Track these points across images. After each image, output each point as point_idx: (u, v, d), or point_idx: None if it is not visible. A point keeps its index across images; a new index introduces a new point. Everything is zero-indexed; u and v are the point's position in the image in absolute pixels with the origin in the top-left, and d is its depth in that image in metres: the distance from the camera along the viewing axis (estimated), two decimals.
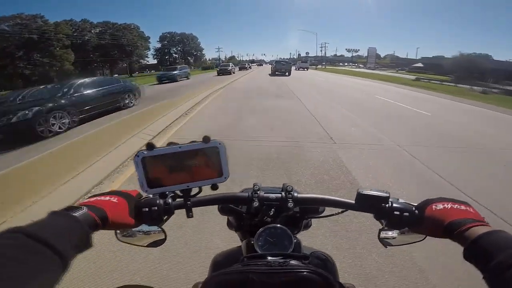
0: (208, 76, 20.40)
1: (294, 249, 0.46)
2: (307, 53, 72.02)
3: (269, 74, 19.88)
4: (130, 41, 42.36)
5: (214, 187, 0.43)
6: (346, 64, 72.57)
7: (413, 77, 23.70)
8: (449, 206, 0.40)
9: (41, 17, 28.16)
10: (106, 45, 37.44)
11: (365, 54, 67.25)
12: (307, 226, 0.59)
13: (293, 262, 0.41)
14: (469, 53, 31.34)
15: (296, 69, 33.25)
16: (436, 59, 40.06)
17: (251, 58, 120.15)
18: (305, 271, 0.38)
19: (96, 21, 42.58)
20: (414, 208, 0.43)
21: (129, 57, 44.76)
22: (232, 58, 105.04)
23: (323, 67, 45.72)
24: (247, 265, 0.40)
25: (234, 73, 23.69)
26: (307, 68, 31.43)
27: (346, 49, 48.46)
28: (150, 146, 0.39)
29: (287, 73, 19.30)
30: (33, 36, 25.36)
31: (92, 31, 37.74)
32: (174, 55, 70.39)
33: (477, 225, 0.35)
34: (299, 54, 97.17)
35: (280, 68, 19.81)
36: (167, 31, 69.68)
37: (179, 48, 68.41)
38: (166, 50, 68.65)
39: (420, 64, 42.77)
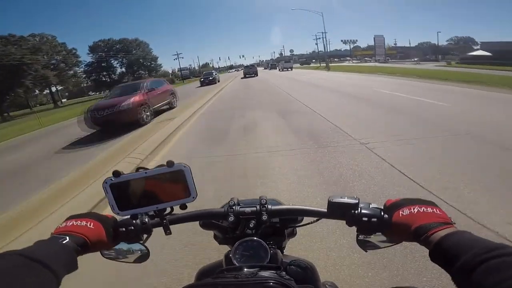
0: (188, 90, 19.68)
1: (271, 260, 0.51)
2: (291, 51, 72.72)
3: (241, 78, 27.54)
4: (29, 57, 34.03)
5: (183, 207, 0.49)
6: (348, 58, 66.01)
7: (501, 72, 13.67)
8: (415, 210, 0.43)
9: None
10: None
11: (362, 45, 63.75)
12: (293, 234, 0.66)
13: (263, 273, 0.45)
14: None
15: (279, 70, 35.29)
16: None
17: (229, 64, 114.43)
18: (271, 282, 0.41)
19: None
20: (382, 213, 0.47)
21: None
22: (205, 66, 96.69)
23: (321, 64, 38.99)
24: (217, 278, 0.45)
25: (219, 81, 25.41)
26: (291, 68, 35.47)
27: (341, 41, 59.35)
28: (116, 173, 0.46)
29: (253, 75, 28.62)
30: None
31: None
32: (116, 69, 57.47)
33: (443, 228, 0.39)
34: (280, 53, 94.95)
35: (248, 72, 29.22)
36: (99, 39, 56.03)
37: (122, 60, 56.26)
38: (103, 64, 56.17)
39: (481, 52, 33.33)
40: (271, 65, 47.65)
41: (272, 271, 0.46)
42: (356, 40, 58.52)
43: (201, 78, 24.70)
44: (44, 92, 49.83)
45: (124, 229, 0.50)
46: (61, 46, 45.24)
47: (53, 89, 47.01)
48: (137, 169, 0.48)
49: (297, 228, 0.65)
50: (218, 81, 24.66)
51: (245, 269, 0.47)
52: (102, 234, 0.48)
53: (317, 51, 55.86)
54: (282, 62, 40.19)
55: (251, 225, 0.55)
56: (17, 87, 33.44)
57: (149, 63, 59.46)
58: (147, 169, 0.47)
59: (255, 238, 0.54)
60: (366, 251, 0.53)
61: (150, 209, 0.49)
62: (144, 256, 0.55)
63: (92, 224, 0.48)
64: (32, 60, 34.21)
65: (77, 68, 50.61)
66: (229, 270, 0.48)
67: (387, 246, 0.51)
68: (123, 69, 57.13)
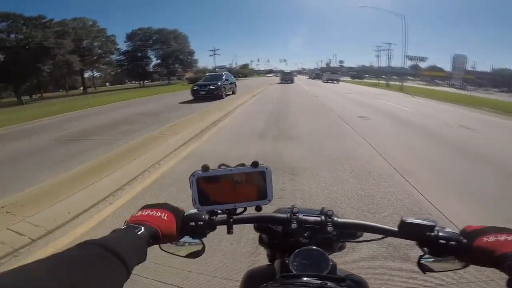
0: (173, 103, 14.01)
1: (330, 271, 0.53)
2: (340, 61, 68.77)
3: (277, 83, 29.12)
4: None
5: (258, 208, 0.53)
6: (410, 78, 52.57)
7: None
8: (503, 238, 0.45)
9: None
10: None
11: (423, 65, 54.45)
12: (341, 248, 0.67)
13: (330, 284, 0.48)
14: None
15: (323, 81, 34.53)
16: None
17: (269, 68, 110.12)
18: None
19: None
20: (461, 237, 0.49)
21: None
22: (245, 67, 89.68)
23: (380, 81, 35.82)
24: (284, 284, 0.47)
25: (234, 93, 16.35)
26: (337, 81, 33.85)
27: (407, 57, 42.34)
28: (205, 168, 0.49)
29: (290, 81, 30.26)
30: None
31: None
32: (151, 60, 55.92)
33: None
34: (327, 63, 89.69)
35: (285, 78, 31.59)
36: (138, 27, 54.79)
37: (158, 51, 54.63)
38: (138, 54, 54.62)
39: None
40: (315, 74, 45.32)
41: (336, 283, 0.48)
42: (426, 58, 50.45)
43: (195, 87, 14.14)
44: (88, 76, 51.31)
45: (193, 223, 0.53)
46: (101, 31, 45.85)
47: (87, 75, 48.75)
48: (220, 165, 0.51)
49: (346, 243, 0.66)
50: (232, 93, 15.71)
51: (305, 278, 0.49)
52: (173, 226, 0.51)
53: (370, 65, 53.25)
54: (328, 73, 38.80)
55: (306, 234, 0.57)
56: (36, 72, 33.77)
57: (185, 57, 57.54)
58: (230, 166, 0.51)
59: (315, 247, 0.55)
60: (424, 273, 0.55)
61: (228, 207, 0.52)
62: (199, 252, 0.57)
63: (166, 215, 0.51)
64: (55, 45, 34.28)
65: (113, 56, 50.97)
66: (288, 277, 0.50)
67: (450, 270, 0.53)
68: (159, 61, 55.94)
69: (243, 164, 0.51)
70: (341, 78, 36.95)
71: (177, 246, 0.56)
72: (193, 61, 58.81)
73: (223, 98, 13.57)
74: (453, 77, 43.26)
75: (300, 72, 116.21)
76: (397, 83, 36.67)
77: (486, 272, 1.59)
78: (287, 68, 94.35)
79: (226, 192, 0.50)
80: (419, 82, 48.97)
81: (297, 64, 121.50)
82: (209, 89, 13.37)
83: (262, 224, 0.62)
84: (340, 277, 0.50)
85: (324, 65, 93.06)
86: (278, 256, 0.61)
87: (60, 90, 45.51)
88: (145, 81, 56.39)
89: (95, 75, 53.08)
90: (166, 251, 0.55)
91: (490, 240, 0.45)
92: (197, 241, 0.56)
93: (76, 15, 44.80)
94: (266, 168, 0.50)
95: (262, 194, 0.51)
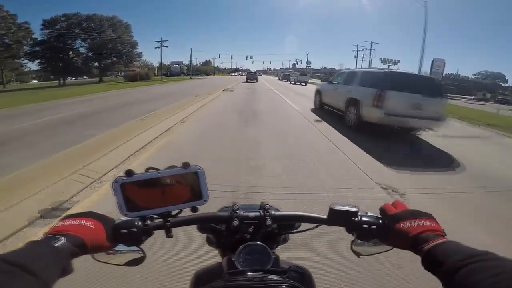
0: None
1: (273, 265, 0.57)
2: (308, 62, 65.17)
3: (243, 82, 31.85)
4: None
5: (194, 209, 0.54)
6: None
7: None
8: (416, 223, 0.51)
9: None
10: None
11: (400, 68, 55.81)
12: (285, 241, 0.73)
13: (272, 277, 0.51)
14: None
15: (291, 83, 34.16)
16: None
17: (234, 66, 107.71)
18: (283, 285, 0.47)
19: None
20: (380, 221, 0.56)
21: None
22: (206, 64, 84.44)
23: None
24: (228, 281, 0.50)
25: None
26: (306, 83, 32.90)
27: (380, 59, 43.37)
28: (129, 172, 0.49)
29: (254, 80, 33.77)
30: None
31: None
32: (80, 52, 47.16)
33: (435, 240, 0.47)
34: (294, 64, 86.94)
35: (250, 77, 34.85)
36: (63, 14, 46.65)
37: (88, 41, 46.10)
38: (60, 45, 45.32)
39: None
40: (284, 75, 44.19)
41: (278, 276, 0.52)
42: (398, 61, 47.41)
43: None
44: None
45: (126, 230, 0.51)
46: (10, 17, 37.05)
47: None
48: (148, 169, 0.51)
49: (290, 234, 0.73)
50: None
51: (249, 273, 0.52)
52: (101, 234, 0.49)
53: (340, 67, 51.61)
54: (297, 74, 37.30)
55: (250, 230, 0.61)
56: None
57: (126, 50, 50.63)
58: (159, 169, 0.51)
59: (258, 242, 0.59)
60: (358, 257, 0.62)
61: (159, 211, 0.52)
62: (139, 259, 0.58)
63: (92, 224, 0.49)
64: None
65: (26, 47, 41.78)
66: (234, 274, 0.52)
67: (379, 253, 0.60)
68: (90, 54, 47.34)
69: (174, 166, 0.52)
70: (309, 80, 36.91)
71: (112, 255, 0.55)
72: (135, 55, 51.55)
73: None
74: None
75: (266, 71, 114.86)
76: None
77: None
78: (253, 67, 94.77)
79: (157, 196, 0.50)
80: None
81: (264, 63, 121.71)
82: None
83: (205, 225, 0.66)
84: (282, 269, 0.53)
85: (291, 65, 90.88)
86: (228, 254, 0.64)
87: None
88: (73, 78, 50.02)
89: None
90: (101, 261, 0.55)
91: (405, 226, 0.51)
92: (134, 248, 0.55)
93: None
94: (199, 169, 0.51)
95: (197, 194, 0.52)
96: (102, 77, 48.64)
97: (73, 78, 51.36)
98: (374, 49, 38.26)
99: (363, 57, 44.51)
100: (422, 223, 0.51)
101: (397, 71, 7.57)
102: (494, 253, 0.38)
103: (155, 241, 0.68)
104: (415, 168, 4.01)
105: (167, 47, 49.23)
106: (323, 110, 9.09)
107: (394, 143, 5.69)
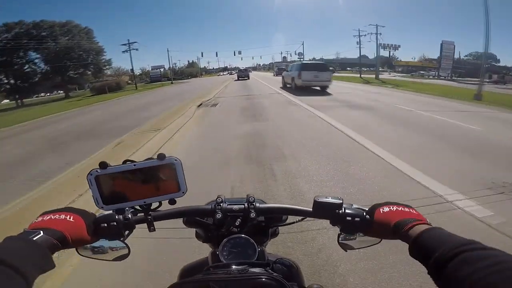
0: None
1: (258, 257, 0.60)
2: (299, 54, 62.15)
3: (234, 80, 35.55)
4: None
5: (172, 202, 0.55)
6: (386, 70, 53.27)
7: None
8: (394, 208, 0.53)
9: None
10: None
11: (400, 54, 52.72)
12: (275, 234, 0.77)
13: (253, 269, 0.52)
14: None
15: (274, 75, 40.56)
16: None
17: (222, 66, 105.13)
18: (263, 278, 0.48)
19: None
20: (364, 213, 0.57)
21: None
22: (192, 65, 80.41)
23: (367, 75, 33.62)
24: (208, 274, 0.51)
25: None
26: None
27: (380, 46, 34.13)
28: (103, 164, 0.50)
29: (246, 78, 35.89)
30: None
31: None
32: (33, 66, 40.80)
33: (419, 223, 0.48)
34: (284, 57, 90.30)
35: (241, 75, 36.68)
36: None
37: (41, 52, 40.24)
38: (7, 59, 37.88)
39: None
40: (278, 69, 42.45)
41: (261, 268, 0.53)
42: (399, 46, 44.77)
43: None
44: None
45: (105, 224, 0.54)
46: None
47: None
48: (125, 161, 0.52)
49: (279, 227, 0.76)
50: None
51: (234, 266, 0.54)
52: (82, 228, 0.51)
53: (336, 56, 54.25)
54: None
55: (236, 223, 0.62)
56: None
57: (92, 59, 45.39)
58: (135, 161, 0.52)
59: (242, 235, 0.61)
60: (346, 251, 0.63)
61: (137, 203, 0.53)
62: (124, 255, 0.60)
63: (72, 217, 0.51)
64: None
65: None
66: (218, 267, 0.54)
67: (367, 246, 0.61)
68: (48, 67, 41.98)
69: (150, 158, 0.52)
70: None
71: (96, 250, 0.57)
72: (102, 62, 46.19)
73: None
74: (441, 67, 37.89)
75: (256, 68, 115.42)
76: (388, 78, 32.98)
77: None
78: (242, 64, 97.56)
79: (134, 189, 0.51)
80: (392, 74, 46.30)
81: (254, 59, 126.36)
82: None
83: (191, 219, 0.67)
84: (266, 262, 0.57)
85: (281, 59, 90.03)
86: (215, 249, 0.66)
87: None
88: (34, 96, 41.84)
89: None
90: (84, 256, 0.57)
91: (384, 211, 0.53)
92: (118, 243, 0.58)
93: None
94: (175, 160, 0.52)
95: (175, 186, 0.53)
96: (69, 92, 42.39)
97: (35, 96, 44.76)
98: (380, 33, 32.15)
99: (369, 42, 42.29)
100: (401, 208, 0.52)
101: (307, 61, 23.45)
102: (480, 242, 0.38)
103: (143, 236, 0.78)
104: (308, 96, 12.87)
105: (137, 49, 42.59)
106: (286, 87, 18.20)
107: (308, 92, 14.51)
